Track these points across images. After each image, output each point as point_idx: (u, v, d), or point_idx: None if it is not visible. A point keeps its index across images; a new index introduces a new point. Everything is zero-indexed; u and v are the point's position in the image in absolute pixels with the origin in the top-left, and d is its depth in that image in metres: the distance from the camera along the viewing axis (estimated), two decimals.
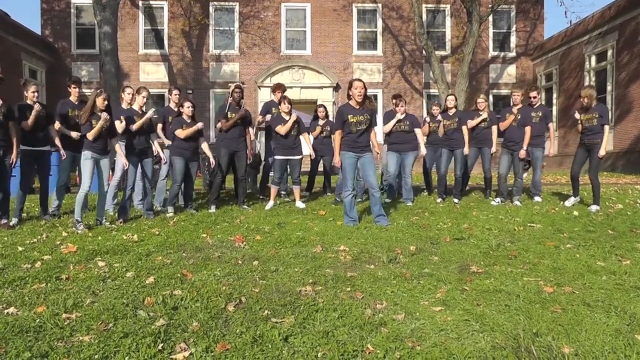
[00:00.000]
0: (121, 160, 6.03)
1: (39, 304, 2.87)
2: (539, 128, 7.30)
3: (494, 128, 7.45)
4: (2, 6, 38.98)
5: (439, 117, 7.61)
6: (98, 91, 5.70)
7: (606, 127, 6.48)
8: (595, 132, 6.51)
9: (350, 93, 5.57)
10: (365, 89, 5.59)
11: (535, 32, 20.60)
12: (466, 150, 7.37)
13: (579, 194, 6.94)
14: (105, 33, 13.65)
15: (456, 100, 7.75)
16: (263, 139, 8.20)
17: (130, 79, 18.96)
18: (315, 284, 3.28)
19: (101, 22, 13.68)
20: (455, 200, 7.45)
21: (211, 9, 19.69)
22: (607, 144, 6.54)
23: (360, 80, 5.64)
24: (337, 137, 5.69)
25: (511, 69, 20.49)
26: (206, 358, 2.17)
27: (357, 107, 5.59)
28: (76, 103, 6.41)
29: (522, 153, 7.08)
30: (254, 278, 3.43)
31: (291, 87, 19.50)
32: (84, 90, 7.98)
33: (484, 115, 7.44)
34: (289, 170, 7.31)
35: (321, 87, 19.81)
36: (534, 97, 7.48)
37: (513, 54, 20.51)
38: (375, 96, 19.50)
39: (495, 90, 20.18)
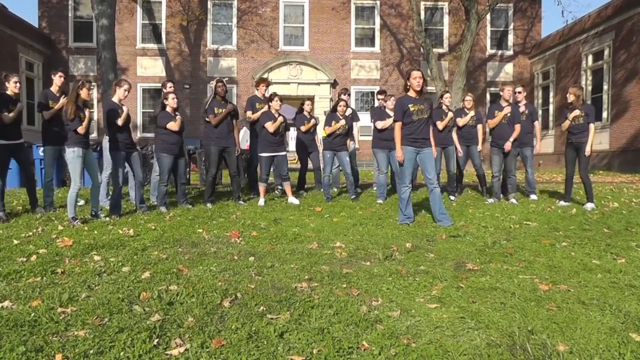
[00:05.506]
0: (109, 155, 5.95)
1: (34, 298, 2.86)
2: (526, 126, 7.36)
3: (480, 126, 7.65)
4: None
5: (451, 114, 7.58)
6: (80, 83, 5.52)
7: (592, 126, 6.57)
8: (583, 131, 6.59)
9: (409, 83, 5.49)
10: (424, 79, 5.50)
11: (533, 31, 20.62)
12: (459, 152, 7.49)
13: (571, 199, 6.97)
14: (103, 26, 13.55)
15: (450, 99, 7.79)
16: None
17: (128, 73, 18.88)
18: (311, 280, 3.28)
19: (99, 15, 13.58)
20: (452, 198, 7.47)
21: (209, 5, 19.62)
22: (593, 142, 6.62)
23: (419, 70, 5.57)
24: (397, 130, 5.54)
25: (509, 67, 20.52)
26: (201, 354, 2.16)
27: (416, 96, 5.53)
28: (57, 95, 6.31)
29: (508, 145, 7.00)
30: (250, 274, 3.43)
31: (288, 83, 19.51)
32: None
33: (472, 113, 7.60)
34: (274, 166, 7.29)
35: (318, 84, 19.79)
36: (519, 92, 7.52)
37: (510, 52, 20.53)
38: (373, 93, 19.49)
39: (492, 88, 20.20)
